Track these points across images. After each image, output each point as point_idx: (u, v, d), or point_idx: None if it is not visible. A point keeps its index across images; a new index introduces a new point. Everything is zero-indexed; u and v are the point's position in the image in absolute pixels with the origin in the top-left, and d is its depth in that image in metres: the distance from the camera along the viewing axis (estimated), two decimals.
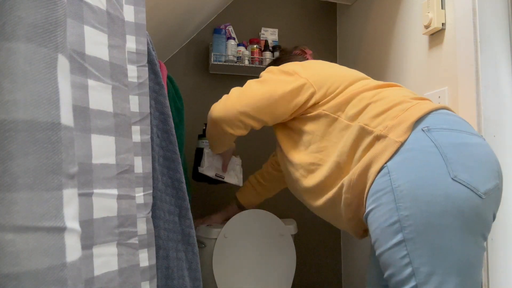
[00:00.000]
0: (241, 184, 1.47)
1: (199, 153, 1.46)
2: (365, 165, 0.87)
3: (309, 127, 1.04)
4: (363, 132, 0.90)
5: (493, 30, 1.15)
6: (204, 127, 1.53)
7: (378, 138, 0.87)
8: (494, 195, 0.81)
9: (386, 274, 0.83)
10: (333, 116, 1.00)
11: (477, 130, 1.11)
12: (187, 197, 0.97)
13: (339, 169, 0.95)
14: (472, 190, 0.77)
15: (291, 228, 1.58)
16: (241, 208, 1.54)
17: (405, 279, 0.78)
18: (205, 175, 1.39)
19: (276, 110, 1.06)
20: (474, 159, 0.80)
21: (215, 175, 1.39)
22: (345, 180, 0.92)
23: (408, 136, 0.83)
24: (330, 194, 0.98)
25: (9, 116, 0.37)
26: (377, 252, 0.84)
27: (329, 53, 2.02)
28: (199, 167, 1.38)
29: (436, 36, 1.31)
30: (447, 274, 0.76)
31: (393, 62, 1.57)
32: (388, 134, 0.85)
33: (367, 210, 0.87)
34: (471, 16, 1.14)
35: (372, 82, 1.04)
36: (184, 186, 0.96)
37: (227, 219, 1.52)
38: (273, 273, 1.52)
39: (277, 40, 1.88)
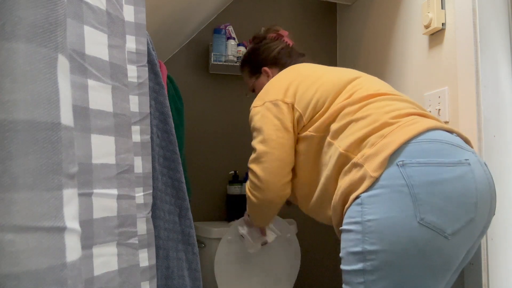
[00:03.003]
0: (280, 234, 1.45)
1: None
2: (344, 192, 0.88)
3: (302, 147, 1.04)
4: (342, 157, 0.91)
5: (493, 30, 1.15)
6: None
7: (355, 165, 0.87)
8: (466, 230, 0.81)
9: None
10: (319, 135, 1.00)
11: (477, 130, 1.11)
12: (187, 197, 0.97)
13: (326, 190, 0.97)
14: (437, 232, 0.78)
15: (291, 228, 1.57)
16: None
17: None
18: None
19: (285, 146, 1.04)
20: (446, 198, 0.79)
21: (261, 245, 1.40)
22: (332, 204, 0.94)
23: (383, 171, 0.82)
24: (323, 215, 1.02)
25: (9, 116, 0.37)
26: (341, 267, 0.87)
27: (329, 53, 2.02)
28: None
29: (436, 36, 1.31)
30: None
31: (393, 62, 1.57)
32: (364, 164, 0.85)
33: (342, 227, 0.88)
34: (471, 16, 1.14)
35: (360, 90, 1.00)
36: (184, 186, 0.96)
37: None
38: (276, 274, 1.50)
39: None
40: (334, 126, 0.96)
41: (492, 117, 1.12)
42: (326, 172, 0.96)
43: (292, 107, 1.04)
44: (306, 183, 1.05)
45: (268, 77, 1.29)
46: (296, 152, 1.06)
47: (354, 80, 1.03)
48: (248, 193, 1.11)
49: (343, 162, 0.91)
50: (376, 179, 0.82)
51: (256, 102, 1.12)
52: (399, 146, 0.83)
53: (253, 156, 1.07)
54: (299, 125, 1.04)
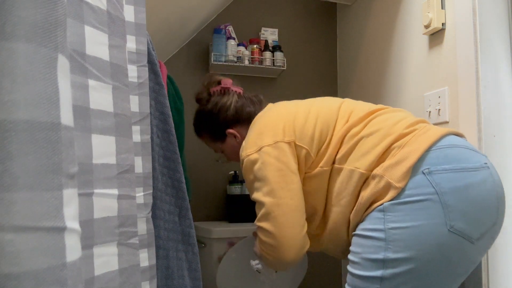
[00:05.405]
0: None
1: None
2: (367, 203, 0.86)
3: (313, 185, 0.96)
4: (363, 177, 0.87)
5: (493, 30, 1.15)
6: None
7: (374, 177, 0.85)
8: (489, 234, 0.82)
9: None
10: (329, 169, 0.94)
11: (477, 130, 1.11)
12: (187, 197, 0.97)
13: (343, 215, 0.92)
14: (465, 238, 0.78)
15: None
16: None
17: None
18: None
19: (296, 191, 0.93)
20: (473, 203, 0.79)
21: (276, 272, 1.32)
22: (351, 220, 0.90)
23: (408, 181, 0.81)
24: (342, 240, 0.96)
25: (9, 116, 0.37)
26: (351, 270, 0.85)
27: (329, 53, 2.02)
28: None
29: (436, 36, 1.31)
30: None
31: (393, 62, 1.57)
32: (384, 174, 0.83)
33: (357, 232, 0.87)
34: (471, 16, 1.14)
35: (354, 112, 0.96)
36: (184, 186, 0.96)
37: None
38: (281, 281, 1.47)
39: (277, 40, 1.88)
40: (340, 153, 0.92)
41: (492, 117, 1.12)
42: (339, 198, 0.91)
43: (295, 145, 0.94)
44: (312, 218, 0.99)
45: (236, 137, 1.15)
46: (304, 193, 0.96)
47: (341, 105, 1.00)
48: (264, 254, 0.96)
49: (364, 181, 0.87)
50: (402, 189, 0.80)
51: (247, 149, 0.96)
52: (421, 154, 0.82)
53: (262, 212, 0.93)
54: (307, 163, 0.94)
